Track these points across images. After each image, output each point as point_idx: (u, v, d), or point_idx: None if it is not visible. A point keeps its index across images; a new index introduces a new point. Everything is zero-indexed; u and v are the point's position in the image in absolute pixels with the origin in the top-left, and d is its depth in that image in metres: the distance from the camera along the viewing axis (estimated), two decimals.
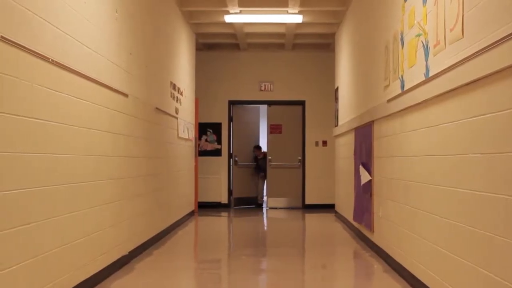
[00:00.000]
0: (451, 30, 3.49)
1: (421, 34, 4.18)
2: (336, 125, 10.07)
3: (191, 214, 10.07)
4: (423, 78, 4.08)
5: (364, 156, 6.77)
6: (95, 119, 4.49)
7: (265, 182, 12.35)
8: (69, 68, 3.89)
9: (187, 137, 9.26)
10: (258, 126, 12.97)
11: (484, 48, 2.91)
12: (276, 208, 11.75)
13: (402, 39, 4.81)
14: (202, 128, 11.72)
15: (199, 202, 11.17)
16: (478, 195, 3.08)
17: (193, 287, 5.12)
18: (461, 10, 3.31)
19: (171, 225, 7.92)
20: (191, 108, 10.05)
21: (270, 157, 11.98)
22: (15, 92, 3.13)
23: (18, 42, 3.14)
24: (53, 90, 3.65)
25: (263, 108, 12.68)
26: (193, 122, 10.23)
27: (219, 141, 11.94)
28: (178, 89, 8.57)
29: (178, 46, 8.72)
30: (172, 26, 8.24)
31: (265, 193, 12.49)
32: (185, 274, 5.48)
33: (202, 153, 11.71)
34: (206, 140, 11.91)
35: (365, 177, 6.62)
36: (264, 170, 12.26)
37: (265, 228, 9.60)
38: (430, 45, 3.95)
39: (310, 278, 5.41)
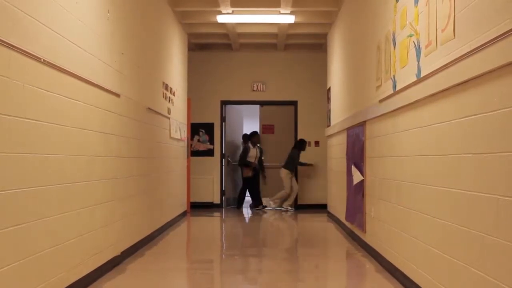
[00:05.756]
0: (442, 30, 3.51)
1: (412, 35, 4.20)
2: (329, 125, 10.09)
3: (184, 214, 10.05)
4: (415, 79, 4.09)
5: (356, 156, 6.78)
6: (86, 119, 4.47)
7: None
8: (61, 68, 3.87)
9: (179, 137, 9.25)
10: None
11: (475, 48, 2.92)
12: (268, 208, 11.73)
13: (394, 40, 4.83)
14: (195, 128, 11.70)
15: (191, 202, 11.15)
16: (470, 195, 3.10)
17: None
18: (452, 11, 3.33)
19: (163, 226, 7.91)
20: (183, 108, 10.04)
21: (262, 157, 11.96)
22: (6, 92, 3.11)
23: (10, 42, 3.12)
24: (45, 90, 3.63)
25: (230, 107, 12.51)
26: (186, 122, 10.22)
27: (211, 141, 11.93)
28: (170, 89, 8.55)
29: (170, 46, 8.70)
30: (164, 26, 8.22)
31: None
32: (178, 274, 5.47)
33: (194, 153, 11.69)
34: (198, 140, 11.90)
35: (357, 177, 6.63)
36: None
37: (258, 228, 9.59)
38: (422, 45, 3.96)
39: (303, 278, 5.41)
